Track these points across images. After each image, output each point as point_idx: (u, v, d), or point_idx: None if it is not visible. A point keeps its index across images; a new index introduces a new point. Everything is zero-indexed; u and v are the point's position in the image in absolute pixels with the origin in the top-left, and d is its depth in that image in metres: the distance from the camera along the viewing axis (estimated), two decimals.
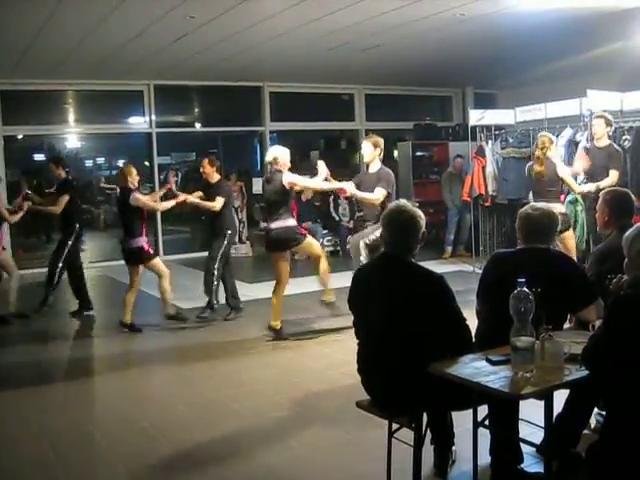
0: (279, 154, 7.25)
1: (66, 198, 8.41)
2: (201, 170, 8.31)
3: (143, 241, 7.79)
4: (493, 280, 3.84)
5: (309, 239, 7.38)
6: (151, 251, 7.95)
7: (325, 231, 13.24)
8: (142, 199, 7.79)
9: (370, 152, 7.30)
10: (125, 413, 5.29)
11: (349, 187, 7.20)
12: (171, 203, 8.17)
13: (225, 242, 8.07)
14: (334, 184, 7.38)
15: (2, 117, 12.39)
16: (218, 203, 8.00)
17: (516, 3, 8.70)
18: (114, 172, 24.45)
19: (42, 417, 5.22)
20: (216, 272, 7.98)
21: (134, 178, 7.87)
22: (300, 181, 7.35)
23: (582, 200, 8.30)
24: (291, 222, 7.15)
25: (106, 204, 21.50)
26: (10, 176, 13.70)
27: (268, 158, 7.32)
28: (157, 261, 7.94)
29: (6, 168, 12.56)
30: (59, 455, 4.48)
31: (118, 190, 8.21)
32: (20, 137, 15.16)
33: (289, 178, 7.10)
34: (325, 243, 12.82)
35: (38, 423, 5.09)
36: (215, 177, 8.28)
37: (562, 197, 8.31)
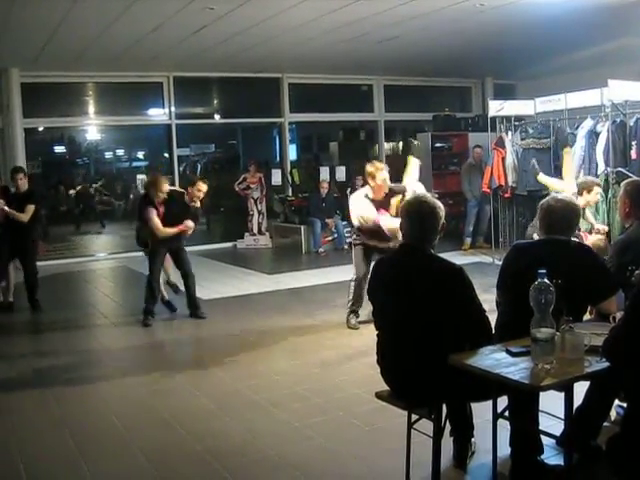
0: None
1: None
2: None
3: None
4: (513, 271, 3.83)
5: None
6: None
7: (344, 222, 13.10)
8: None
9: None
10: (146, 404, 5.34)
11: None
12: (174, 230, 7.56)
13: None
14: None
15: (23, 109, 12.46)
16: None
17: None
18: (133, 164, 24.73)
19: (63, 407, 5.27)
20: None
21: (156, 189, 7.53)
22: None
23: (602, 192, 8.25)
24: None
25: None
26: (30, 168, 13.80)
27: None
28: None
29: (27, 160, 12.62)
30: (79, 445, 4.51)
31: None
32: (41, 129, 15.27)
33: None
34: (346, 234, 12.70)
35: (59, 413, 5.14)
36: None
37: None
